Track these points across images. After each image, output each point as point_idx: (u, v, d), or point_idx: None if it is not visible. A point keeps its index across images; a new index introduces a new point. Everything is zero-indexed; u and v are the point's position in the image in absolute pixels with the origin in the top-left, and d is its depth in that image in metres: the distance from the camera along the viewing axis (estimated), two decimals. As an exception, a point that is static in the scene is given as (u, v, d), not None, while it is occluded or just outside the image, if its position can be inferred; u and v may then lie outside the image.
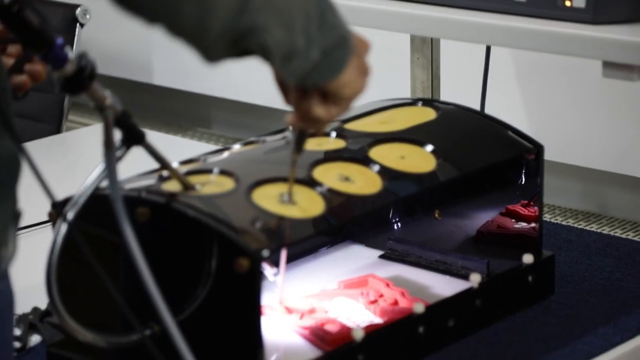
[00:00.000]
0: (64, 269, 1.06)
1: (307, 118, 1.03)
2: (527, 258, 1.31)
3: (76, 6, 2.16)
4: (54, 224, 1.11)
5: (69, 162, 1.83)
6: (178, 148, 1.77)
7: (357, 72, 1.02)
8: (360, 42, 1.03)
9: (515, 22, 1.42)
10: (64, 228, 1.06)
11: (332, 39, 0.98)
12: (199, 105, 3.52)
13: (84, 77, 0.96)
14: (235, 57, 0.96)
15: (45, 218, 1.15)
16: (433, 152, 1.28)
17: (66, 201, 1.07)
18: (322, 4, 0.97)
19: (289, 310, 1.19)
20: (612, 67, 1.35)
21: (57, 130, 2.13)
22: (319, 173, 1.19)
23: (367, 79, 1.04)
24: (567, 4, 1.41)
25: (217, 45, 0.93)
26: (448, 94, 1.95)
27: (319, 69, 0.98)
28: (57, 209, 1.08)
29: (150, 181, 1.14)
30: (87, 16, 2.16)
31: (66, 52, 0.94)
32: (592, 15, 1.39)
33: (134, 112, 1.07)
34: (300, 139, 1.09)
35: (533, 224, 1.33)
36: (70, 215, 1.05)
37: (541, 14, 1.42)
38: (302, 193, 1.15)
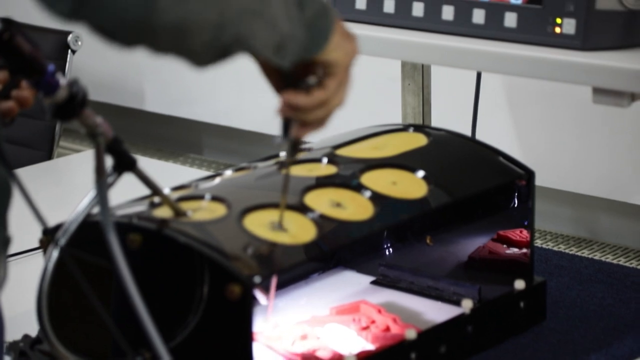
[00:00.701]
0: (55, 296, 1.06)
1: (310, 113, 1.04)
2: (519, 284, 1.31)
3: (68, 33, 2.16)
4: (45, 251, 1.11)
5: (60, 188, 1.83)
6: (169, 174, 1.77)
7: (342, 37, 1.03)
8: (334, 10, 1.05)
9: (506, 49, 1.43)
10: (55, 255, 1.06)
11: (312, 12, 0.99)
12: (190, 131, 3.52)
13: (75, 104, 0.96)
14: (224, 60, 0.96)
15: (37, 245, 1.14)
16: (424, 178, 1.28)
17: (57, 228, 1.07)
18: None
19: (281, 337, 1.19)
20: (602, 93, 1.36)
21: (49, 156, 2.13)
22: (311, 199, 1.20)
23: (354, 43, 1.05)
24: (557, 30, 1.41)
25: (202, 60, 0.93)
26: (439, 120, 1.95)
27: (308, 46, 0.99)
28: (49, 236, 1.08)
29: (142, 207, 1.14)
30: (79, 42, 2.16)
31: (58, 79, 0.94)
32: (581, 41, 1.40)
33: (126, 138, 1.07)
34: (296, 145, 1.09)
35: (524, 250, 1.33)
36: (61, 241, 1.05)
37: (531, 41, 1.43)
38: (293, 219, 1.15)
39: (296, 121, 1.05)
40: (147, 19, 0.85)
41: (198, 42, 0.90)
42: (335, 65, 1.03)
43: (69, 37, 2.16)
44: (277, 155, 1.27)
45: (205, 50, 0.92)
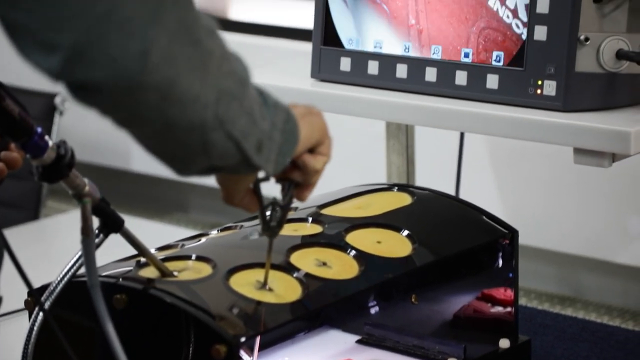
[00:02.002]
0: (41, 357, 1.06)
1: (311, 178, 1.06)
2: (504, 343, 1.31)
3: (55, 94, 2.18)
4: (30, 312, 1.11)
5: (46, 249, 1.83)
6: (156, 234, 1.77)
7: (304, 118, 1.03)
8: None
9: (488, 110, 1.44)
10: (40, 316, 1.06)
11: (283, 114, 0.99)
12: (176, 191, 3.53)
13: (62, 166, 0.96)
14: (205, 159, 0.94)
15: (22, 306, 1.14)
16: (409, 237, 1.29)
17: (43, 289, 1.08)
18: (258, 88, 0.98)
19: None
20: (583, 154, 1.37)
21: (35, 216, 2.13)
22: (296, 258, 1.20)
23: (317, 112, 1.06)
24: (538, 92, 1.43)
25: (184, 144, 0.91)
26: (423, 179, 1.97)
27: (287, 146, 1.00)
28: (34, 297, 1.08)
29: (128, 267, 1.15)
30: (66, 104, 2.17)
31: (45, 141, 0.95)
32: (562, 103, 1.42)
33: (112, 198, 1.08)
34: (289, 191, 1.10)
35: (509, 309, 1.34)
36: (47, 303, 1.05)
37: (513, 102, 1.45)
38: (279, 278, 1.16)
39: (296, 186, 1.07)
40: (137, 74, 0.84)
41: (180, 111, 0.88)
42: (320, 145, 1.05)
43: (57, 99, 2.17)
44: (266, 207, 1.27)
45: (188, 127, 0.90)
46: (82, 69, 0.83)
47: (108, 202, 1.03)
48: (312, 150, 1.05)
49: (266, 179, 1.04)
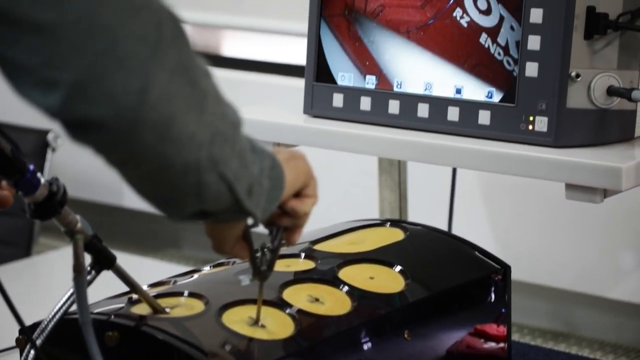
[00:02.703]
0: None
1: (300, 221, 1.07)
2: (497, 378, 1.31)
3: (47, 131, 2.18)
4: (22, 350, 1.11)
5: (38, 286, 1.82)
6: (148, 270, 1.77)
7: (288, 164, 1.04)
8: None
9: (480, 145, 1.45)
10: (32, 354, 1.05)
11: (270, 161, 1.00)
12: (169, 227, 3.52)
13: (54, 203, 0.96)
14: (197, 201, 0.94)
15: (13, 343, 1.14)
16: (401, 272, 1.29)
17: (35, 326, 1.07)
18: (246, 134, 0.98)
19: None
20: (575, 189, 1.37)
21: (27, 253, 2.13)
22: (289, 294, 1.20)
23: (300, 157, 1.06)
24: (530, 127, 1.44)
25: (177, 184, 0.91)
26: (416, 214, 1.97)
27: (274, 193, 1.00)
28: (26, 335, 1.07)
29: (120, 304, 1.14)
30: (59, 141, 2.18)
31: (38, 179, 0.95)
32: (554, 138, 1.42)
33: (105, 234, 1.08)
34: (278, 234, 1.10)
35: (502, 344, 1.34)
36: (38, 341, 1.05)
37: (505, 137, 1.45)
38: (271, 315, 1.15)
39: (285, 229, 1.08)
40: (137, 110, 0.85)
41: (176, 150, 0.89)
42: (306, 187, 1.06)
43: (49, 136, 2.17)
44: (256, 251, 1.28)
45: (182, 168, 0.90)
46: (81, 106, 0.83)
47: (100, 238, 1.03)
48: (298, 194, 1.05)
49: (255, 225, 1.04)
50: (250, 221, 1.03)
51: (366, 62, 1.57)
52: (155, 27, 0.85)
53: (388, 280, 1.28)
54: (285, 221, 1.07)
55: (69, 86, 0.82)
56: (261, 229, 1.08)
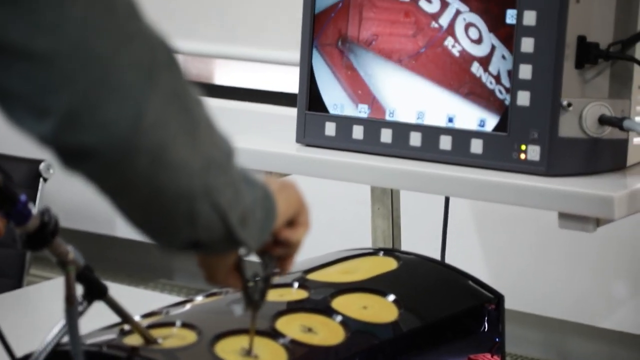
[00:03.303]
0: None
1: (291, 249, 1.06)
2: (491, 408, 1.30)
3: (40, 161, 2.18)
4: (13, 381, 1.10)
5: (30, 317, 1.81)
6: (140, 300, 1.76)
7: (281, 195, 1.03)
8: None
9: (472, 174, 1.45)
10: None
11: (261, 191, 1.00)
12: (161, 256, 3.52)
13: (46, 234, 0.96)
14: (191, 230, 0.93)
15: (5, 374, 1.13)
16: (395, 302, 1.29)
17: (26, 358, 1.07)
18: (240, 165, 0.98)
19: None
20: (568, 218, 1.38)
21: (19, 284, 2.12)
22: (282, 324, 1.19)
23: (291, 187, 1.06)
24: (522, 156, 1.44)
25: (171, 214, 0.91)
26: (409, 243, 1.96)
27: (266, 223, 1.00)
28: (17, 366, 1.07)
29: (112, 335, 1.14)
30: (51, 171, 2.17)
31: (29, 209, 0.95)
32: (546, 167, 1.43)
33: (96, 264, 1.07)
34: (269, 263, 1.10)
35: (496, 374, 1.33)
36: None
37: (497, 166, 1.46)
38: (264, 345, 1.15)
39: (277, 258, 1.07)
40: (131, 137, 0.84)
41: (169, 178, 0.88)
42: (298, 216, 1.05)
43: (41, 166, 2.17)
44: (248, 281, 1.27)
45: (175, 196, 0.89)
46: (75, 133, 0.83)
47: (92, 269, 1.03)
48: (290, 223, 1.05)
49: (247, 255, 1.04)
50: (242, 251, 1.02)
51: (358, 91, 1.57)
52: (148, 54, 0.85)
53: (381, 310, 1.27)
54: (277, 250, 1.06)
55: (62, 114, 0.82)
56: (251, 256, 1.07)
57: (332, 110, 1.59)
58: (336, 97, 1.59)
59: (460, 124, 1.49)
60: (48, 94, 0.82)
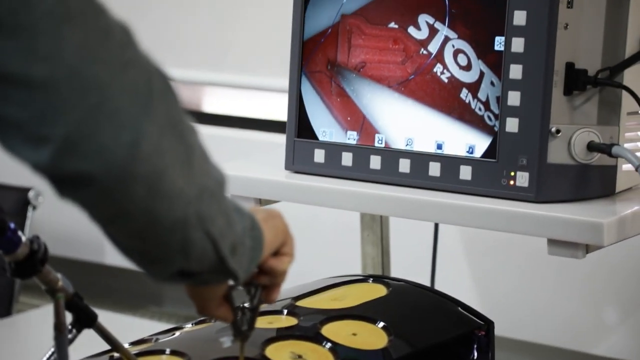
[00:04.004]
0: None
1: (276, 279, 1.07)
2: None
3: (29, 189, 2.18)
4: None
5: (19, 345, 1.81)
6: (130, 328, 1.76)
7: (267, 224, 1.04)
8: None
9: (462, 201, 1.45)
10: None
11: (249, 221, 1.00)
12: (150, 283, 3.51)
13: (35, 262, 0.96)
14: (183, 260, 0.94)
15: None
16: (384, 328, 1.29)
17: (15, 386, 1.06)
18: (229, 197, 0.98)
19: None
20: (557, 245, 1.38)
21: (7, 312, 2.11)
22: (271, 351, 1.19)
23: (277, 216, 1.07)
24: (511, 183, 1.44)
25: (165, 241, 0.90)
26: (398, 270, 1.96)
27: (255, 251, 1.00)
28: (6, 394, 1.06)
29: (101, 363, 1.13)
30: (40, 198, 2.17)
31: (18, 237, 0.95)
32: (535, 194, 1.43)
33: (86, 292, 1.07)
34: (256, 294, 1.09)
35: (486, 401, 1.33)
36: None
37: (486, 193, 1.46)
38: (254, 373, 1.15)
39: (263, 288, 1.07)
40: (128, 164, 0.84)
41: (164, 206, 0.88)
42: (283, 246, 1.06)
43: (30, 194, 2.17)
44: (238, 308, 1.27)
45: (170, 224, 0.89)
46: (72, 161, 0.83)
47: (81, 296, 1.03)
48: (276, 253, 1.05)
49: (236, 285, 1.04)
50: (231, 282, 1.02)
51: (347, 118, 1.57)
52: (145, 81, 0.86)
53: (371, 337, 1.27)
54: (263, 280, 1.06)
55: (60, 141, 0.82)
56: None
57: (321, 137, 1.59)
58: (325, 124, 1.59)
59: (449, 150, 1.49)
60: (45, 121, 0.82)
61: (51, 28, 0.81)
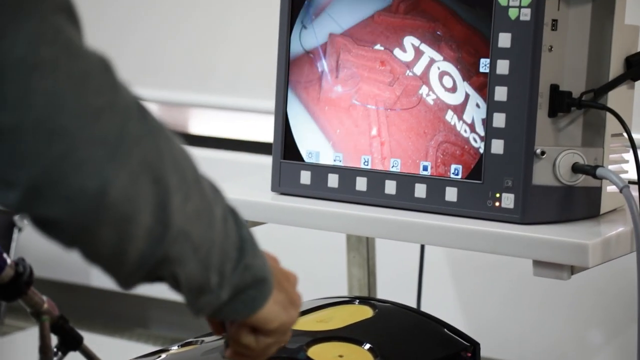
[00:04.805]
0: None
1: (239, 346, 1.03)
2: None
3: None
4: None
5: (3, 367, 1.80)
6: (116, 350, 1.75)
7: (279, 307, 1.01)
8: (285, 276, 1.03)
9: (447, 222, 1.45)
10: None
11: (247, 280, 0.97)
12: (136, 306, 3.50)
13: (21, 284, 0.96)
14: (149, 282, 0.93)
15: None
16: (371, 350, 1.28)
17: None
18: (243, 244, 0.97)
19: None
20: (542, 266, 1.38)
21: (-8, 334, 2.10)
22: (257, 374, 1.19)
23: (295, 310, 1.04)
24: (497, 204, 1.45)
25: (132, 274, 0.90)
26: (385, 291, 1.96)
27: (232, 306, 0.98)
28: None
29: (87, 386, 1.13)
30: (25, 221, 2.16)
31: (4, 259, 0.95)
32: (520, 215, 1.43)
33: (71, 314, 1.07)
34: None
35: (472, 422, 1.33)
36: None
37: (472, 214, 1.46)
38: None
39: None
40: (94, 212, 0.83)
41: (133, 251, 0.88)
42: (267, 332, 1.02)
43: (15, 216, 2.16)
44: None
45: (137, 264, 0.89)
46: (39, 206, 0.83)
47: (67, 319, 1.03)
48: (266, 332, 1.02)
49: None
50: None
51: (333, 139, 1.58)
52: (118, 128, 0.84)
53: (358, 359, 1.27)
54: (243, 338, 1.03)
55: (26, 187, 0.82)
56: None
57: (307, 159, 1.59)
58: (311, 146, 1.59)
59: (434, 172, 1.49)
60: (12, 168, 0.82)
61: (20, 77, 0.80)
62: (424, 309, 1.56)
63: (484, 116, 1.45)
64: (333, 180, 1.57)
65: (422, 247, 2.15)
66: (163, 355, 1.25)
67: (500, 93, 1.44)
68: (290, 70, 1.60)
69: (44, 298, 0.99)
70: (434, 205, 1.49)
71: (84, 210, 0.83)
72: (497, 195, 1.44)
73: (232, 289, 0.96)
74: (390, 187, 1.52)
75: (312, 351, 1.26)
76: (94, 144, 0.83)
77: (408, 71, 1.52)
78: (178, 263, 0.91)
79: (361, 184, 1.55)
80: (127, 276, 0.90)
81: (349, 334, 1.31)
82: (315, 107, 1.59)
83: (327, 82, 1.58)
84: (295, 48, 1.60)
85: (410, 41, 1.51)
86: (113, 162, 0.84)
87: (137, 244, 0.87)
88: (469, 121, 1.47)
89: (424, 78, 1.51)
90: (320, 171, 1.58)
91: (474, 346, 1.34)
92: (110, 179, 0.83)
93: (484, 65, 1.45)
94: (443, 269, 2.76)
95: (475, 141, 1.46)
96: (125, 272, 0.89)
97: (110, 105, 0.85)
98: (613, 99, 1.48)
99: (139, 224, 0.86)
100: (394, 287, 2.20)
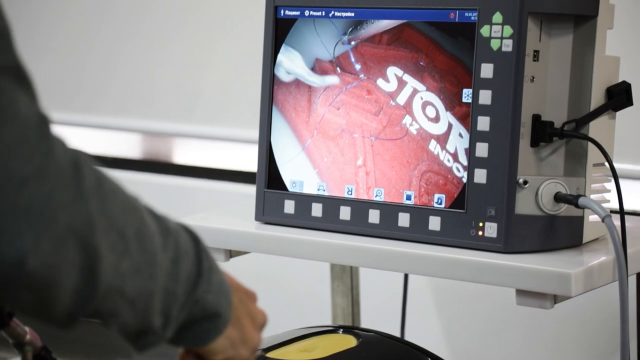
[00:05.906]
0: None
1: None
2: None
3: None
4: None
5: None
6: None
7: (228, 342, 0.99)
8: (250, 315, 1.02)
9: (430, 251, 1.46)
10: None
11: (196, 314, 0.96)
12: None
13: (3, 315, 0.95)
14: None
15: None
16: (354, 380, 1.28)
17: None
18: (198, 279, 0.95)
19: None
20: (525, 295, 1.38)
21: (-26, 365, 2.09)
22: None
23: (246, 350, 1.02)
24: (480, 233, 1.45)
25: (63, 323, 0.88)
26: (368, 320, 1.96)
27: (180, 337, 0.96)
28: None
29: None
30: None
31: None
32: (503, 244, 1.44)
33: (54, 345, 1.06)
34: None
35: None
36: None
37: (455, 243, 1.47)
38: None
39: None
40: (13, 278, 0.82)
41: (60, 310, 0.86)
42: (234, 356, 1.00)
43: None
44: None
45: (65, 320, 0.88)
46: None
47: (49, 350, 1.02)
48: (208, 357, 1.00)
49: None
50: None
51: (317, 169, 1.58)
52: (44, 196, 0.83)
53: (341, 388, 1.27)
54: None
55: None
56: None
57: (290, 188, 1.60)
58: (295, 175, 1.60)
59: (418, 201, 1.50)
60: None
61: None
62: (408, 338, 1.57)
63: (467, 146, 1.46)
64: (317, 210, 1.57)
65: (406, 276, 2.15)
66: (146, 386, 1.24)
67: (483, 123, 1.45)
68: (280, 94, 1.61)
69: (27, 329, 0.99)
70: (418, 234, 1.49)
71: (2, 276, 0.81)
72: (480, 224, 1.45)
73: (179, 324, 0.94)
74: (374, 216, 1.53)
75: (295, 381, 1.26)
76: (15, 214, 0.81)
77: (392, 101, 1.53)
78: (110, 316, 0.89)
79: (345, 213, 1.55)
80: (58, 324, 0.88)
81: (332, 364, 1.31)
82: (304, 130, 1.59)
83: (317, 107, 1.58)
84: (283, 71, 1.61)
85: (393, 71, 1.52)
86: (33, 231, 0.82)
87: (62, 303, 0.86)
88: (452, 151, 1.48)
89: (408, 108, 1.51)
90: (304, 200, 1.58)
91: (458, 375, 1.34)
92: (29, 249, 0.82)
93: (467, 95, 1.46)
94: (427, 298, 2.76)
95: (459, 171, 1.47)
96: (55, 322, 0.88)
97: (39, 173, 0.83)
98: (594, 128, 1.49)
99: (63, 287, 0.85)
100: (378, 316, 2.20)
